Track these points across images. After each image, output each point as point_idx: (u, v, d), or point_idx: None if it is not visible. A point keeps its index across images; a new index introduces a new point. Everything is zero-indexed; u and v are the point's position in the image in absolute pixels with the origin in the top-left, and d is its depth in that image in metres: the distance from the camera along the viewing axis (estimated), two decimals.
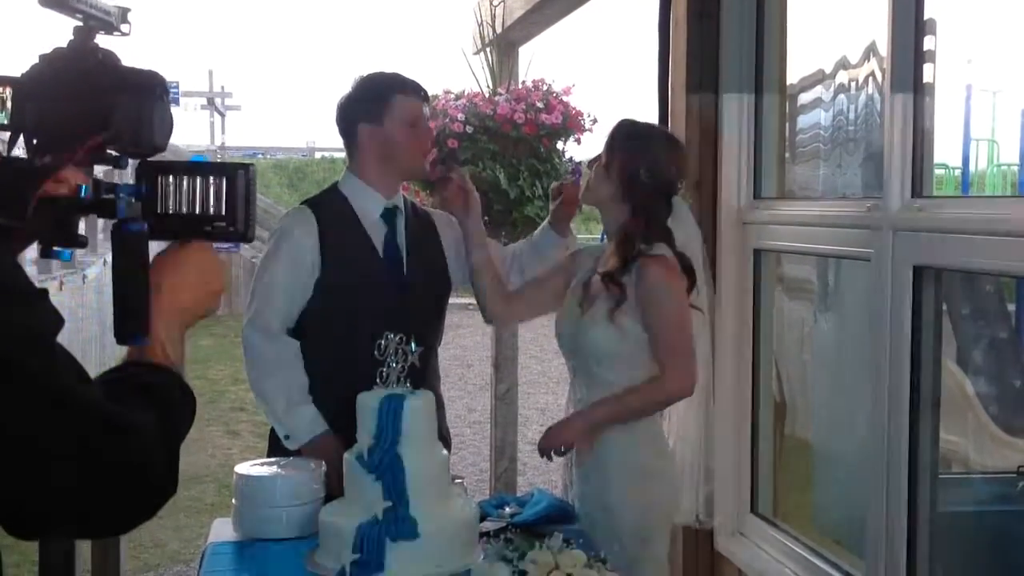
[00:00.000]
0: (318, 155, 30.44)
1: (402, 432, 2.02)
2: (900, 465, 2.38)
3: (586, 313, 2.66)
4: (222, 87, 34.89)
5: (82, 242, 1.19)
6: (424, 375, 2.79)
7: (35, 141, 1.17)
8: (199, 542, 5.06)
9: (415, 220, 2.97)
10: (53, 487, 1.00)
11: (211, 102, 34.01)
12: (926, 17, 2.37)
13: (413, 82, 2.88)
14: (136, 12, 1.26)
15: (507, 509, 2.60)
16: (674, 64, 3.36)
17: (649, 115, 3.37)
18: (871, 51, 2.96)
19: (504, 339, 5.01)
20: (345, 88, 2.91)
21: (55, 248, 1.19)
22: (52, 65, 1.17)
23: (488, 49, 4.84)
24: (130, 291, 1.22)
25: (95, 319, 10.82)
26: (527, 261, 3.02)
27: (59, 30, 1.22)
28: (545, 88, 4.18)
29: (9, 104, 1.15)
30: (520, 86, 4.39)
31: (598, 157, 2.72)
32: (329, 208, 2.89)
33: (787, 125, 3.37)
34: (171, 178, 1.29)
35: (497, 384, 5.21)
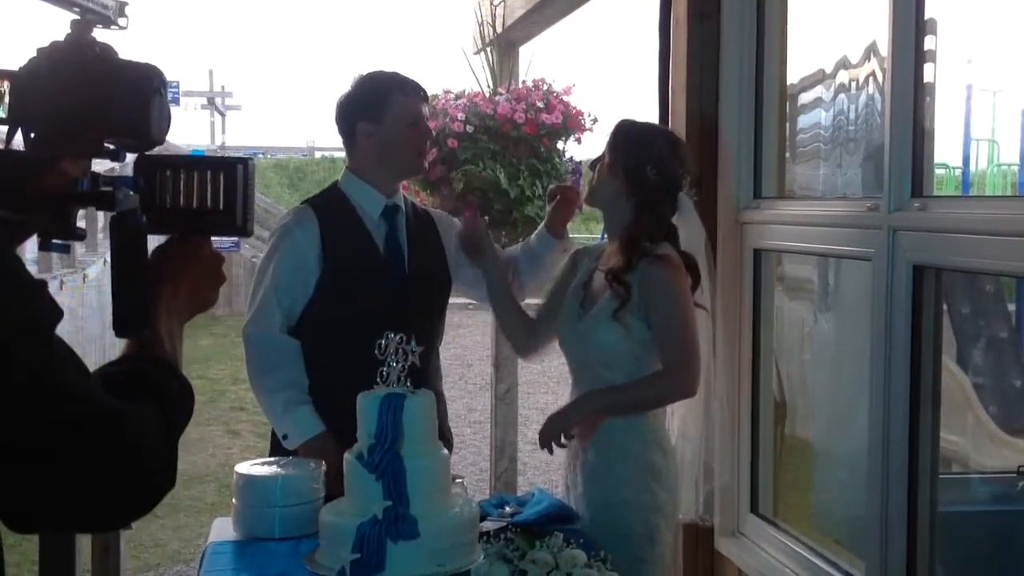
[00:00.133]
0: (318, 155, 30.47)
1: (402, 432, 2.01)
2: (900, 465, 2.37)
3: (588, 314, 2.66)
4: (222, 87, 34.97)
5: (80, 235, 1.19)
6: (425, 374, 2.79)
7: (33, 134, 1.17)
8: (199, 541, 5.06)
9: (415, 219, 2.97)
10: (50, 478, 1.00)
11: (211, 102, 34.06)
12: (926, 17, 2.37)
13: (412, 82, 2.88)
14: (137, 12, 1.27)
15: (507, 509, 2.59)
16: (674, 64, 3.35)
17: (649, 115, 3.37)
18: (871, 51, 2.95)
19: (504, 339, 5.00)
20: (345, 87, 2.91)
21: (54, 241, 1.19)
22: (50, 58, 1.17)
23: (488, 49, 4.84)
24: (129, 284, 1.21)
25: (96, 318, 10.83)
26: (524, 267, 3.01)
27: (57, 23, 1.22)
28: (545, 88, 4.18)
29: (7, 97, 1.15)
30: (520, 86, 4.39)
31: (600, 158, 2.71)
32: (330, 207, 2.89)
33: (787, 125, 3.36)
34: (169, 172, 1.28)
35: (497, 384, 5.21)
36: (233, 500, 2.50)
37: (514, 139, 4.05)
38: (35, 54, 1.18)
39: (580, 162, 4.18)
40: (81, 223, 1.23)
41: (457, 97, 4.20)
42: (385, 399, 2.02)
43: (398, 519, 1.97)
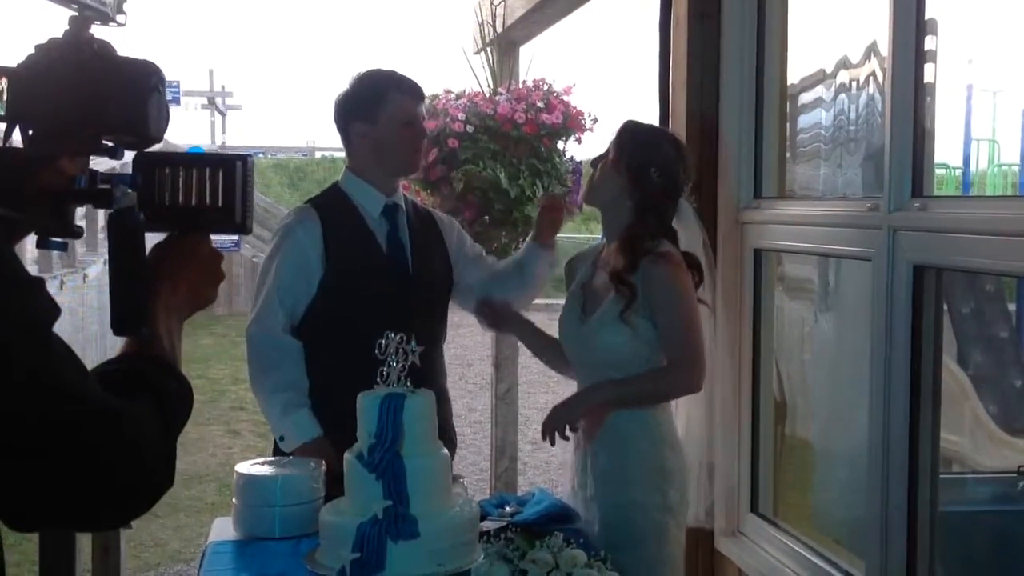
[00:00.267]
0: (319, 155, 30.43)
1: (402, 431, 2.01)
2: (900, 465, 2.37)
3: (591, 316, 2.65)
4: (222, 86, 34.92)
5: (78, 232, 1.19)
6: (425, 374, 2.78)
7: (31, 132, 1.17)
8: (199, 541, 5.06)
9: (417, 218, 2.97)
10: (49, 477, 1.00)
11: (212, 101, 34.03)
12: (927, 17, 2.36)
13: (409, 81, 2.87)
14: (137, 11, 1.26)
15: (507, 508, 2.60)
16: (674, 64, 3.35)
17: (649, 115, 3.37)
18: (872, 51, 2.95)
19: (504, 339, 5.00)
20: (343, 86, 2.91)
21: (52, 239, 1.19)
22: (48, 55, 1.16)
23: (489, 49, 4.84)
24: (127, 282, 1.21)
25: (96, 318, 10.83)
26: (513, 282, 2.99)
27: (55, 20, 1.21)
28: (546, 88, 4.18)
29: (5, 95, 1.14)
30: (520, 86, 4.39)
31: (603, 156, 2.71)
32: (331, 206, 2.88)
33: (787, 125, 3.36)
34: (168, 169, 1.28)
35: (497, 384, 5.22)
36: (233, 500, 2.50)
37: (514, 139, 4.05)
38: (33, 51, 1.17)
39: (580, 162, 4.18)
40: (80, 221, 1.23)
41: (457, 97, 4.20)
42: (385, 399, 2.02)
43: (398, 519, 1.97)
